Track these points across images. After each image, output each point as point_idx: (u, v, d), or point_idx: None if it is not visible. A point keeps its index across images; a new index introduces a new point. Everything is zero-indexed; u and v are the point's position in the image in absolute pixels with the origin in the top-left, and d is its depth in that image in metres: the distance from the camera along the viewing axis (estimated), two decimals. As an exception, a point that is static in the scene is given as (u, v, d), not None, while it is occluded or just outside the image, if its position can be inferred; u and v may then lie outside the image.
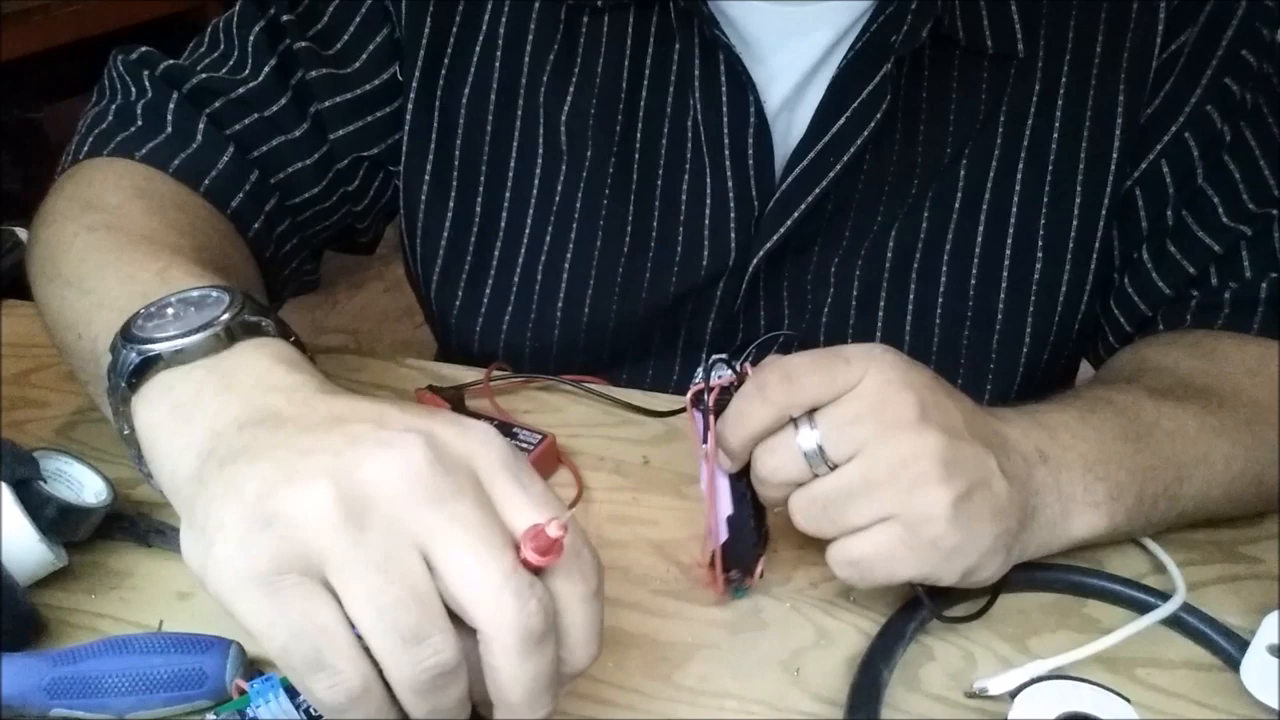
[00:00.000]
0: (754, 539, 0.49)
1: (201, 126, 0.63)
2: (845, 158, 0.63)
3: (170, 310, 0.42)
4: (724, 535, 0.49)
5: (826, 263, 0.67)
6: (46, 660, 0.44)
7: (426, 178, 0.69)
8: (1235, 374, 0.59)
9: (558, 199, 0.68)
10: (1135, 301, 0.67)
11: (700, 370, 0.47)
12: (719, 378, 0.47)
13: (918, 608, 0.49)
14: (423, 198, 0.69)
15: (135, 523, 0.55)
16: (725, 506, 0.48)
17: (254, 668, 0.46)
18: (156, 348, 0.39)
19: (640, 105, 0.66)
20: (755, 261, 0.66)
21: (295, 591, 0.32)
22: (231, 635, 0.46)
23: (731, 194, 0.65)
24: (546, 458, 0.60)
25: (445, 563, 0.33)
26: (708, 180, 0.66)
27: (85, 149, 0.63)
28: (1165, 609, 0.48)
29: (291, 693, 0.43)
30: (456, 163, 0.68)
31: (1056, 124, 0.64)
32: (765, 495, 0.47)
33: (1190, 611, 0.49)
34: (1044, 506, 0.49)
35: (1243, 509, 0.56)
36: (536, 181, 0.68)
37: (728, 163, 0.65)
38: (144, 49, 0.66)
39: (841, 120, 0.63)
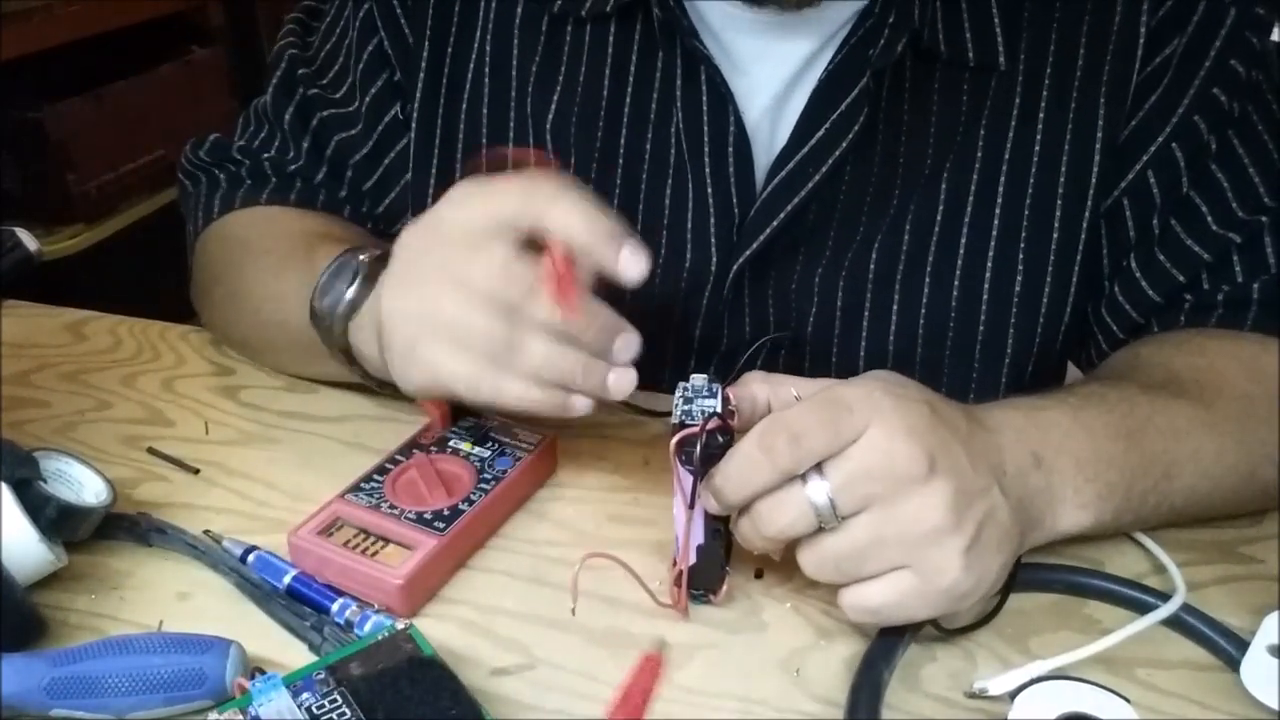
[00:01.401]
0: (721, 564, 0.50)
1: (297, 179, 0.75)
2: (824, 168, 0.63)
3: (324, 289, 0.59)
4: (693, 560, 0.49)
5: (810, 273, 0.67)
6: (46, 660, 0.44)
7: (429, 198, 0.71)
8: (1228, 369, 0.59)
9: None
10: (1127, 310, 0.67)
11: (678, 402, 0.47)
12: (702, 414, 0.46)
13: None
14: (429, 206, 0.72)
15: (135, 523, 0.56)
16: (698, 538, 0.49)
17: (255, 667, 0.46)
18: (339, 310, 0.58)
19: (624, 114, 0.67)
20: (736, 268, 0.66)
21: (426, 354, 0.50)
22: (231, 635, 0.46)
23: (712, 202, 0.66)
24: (546, 458, 0.60)
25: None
26: (689, 189, 0.66)
27: (215, 211, 0.75)
28: (1165, 609, 0.48)
29: (294, 691, 0.43)
30: (459, 169, 0.71)
31: (1038, 138, 0.64)
32: (759, 545, 0.47)
33: (1190, 612, 0.49)
34: (1036, 509, 0.49)
35: (1238, 504, 0.56)
36: None
37: (708, 172, 0.65)
38: (212, 137, 0.79)
39: (820, 132, 0.63)
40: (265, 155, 0.76)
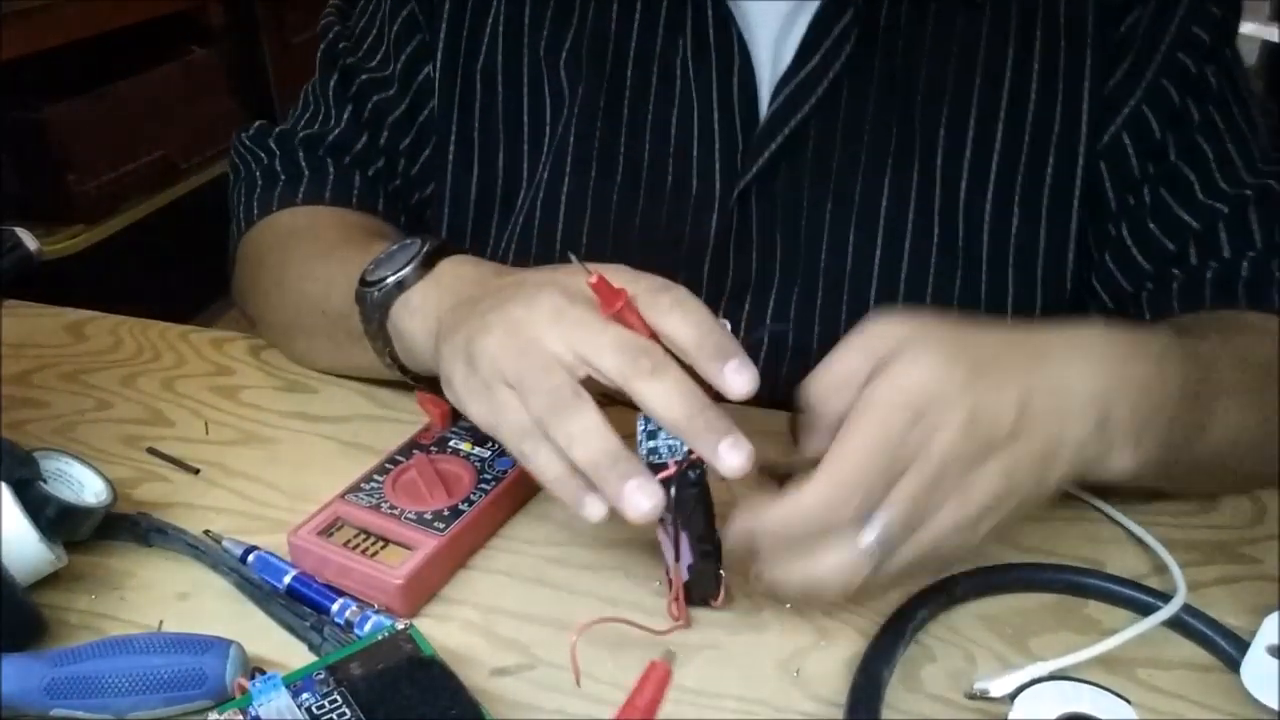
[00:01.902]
0: (715, 574, 0.50)
1: (330, 164, 0.76)
2: (819, 91, 0.65)
3: (381, 262, 0.59)
4: (685, 577, 0.49)
5: (819, 216, 0.68)
6: (46, 660, 0.44)
7: (451, 149, 0.75)
8: (1242, 340, 0.59)
9: (558, 139, 0.72)
10: (1118, 279, 0.68)
11: (641, 439, 0.45)
12: (669, 450, 0.45)
13: (917, 608, 0.49)
14: (449, 169, 0.76)
15: (135, 523, 0.56)
16: (687, 558, 0.48)
17: (255, 667, 0.46)
18: (390, 280, 0.57)
19: (631, 46, 0.70)
20: (740, 190, 0.67)
21: (499, 395, 0.47)
22: (231, 635, 0.46)
23: (717, 129, 0.68)
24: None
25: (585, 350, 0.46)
26: (695, 117, 0.68)
27: (255, 214, 0.76)
28: (1167, 610, 0.48)
29: (293, 691, 0.43)
30: (477, 129, 0.74)
31: (1033, 82, 0.66)
32: (788, 597, 0.47)
33: (1191, 613, 0.49)
34: (1085, 459, 0.46)
35: (1245, 474, 0.57)
36: (547, 131, 0.72)
37: (714, 99, 0.68)
38: (259, 123, 0.80)
39: (816, 57, 0.65)
40: (306, 133, 0.77)
